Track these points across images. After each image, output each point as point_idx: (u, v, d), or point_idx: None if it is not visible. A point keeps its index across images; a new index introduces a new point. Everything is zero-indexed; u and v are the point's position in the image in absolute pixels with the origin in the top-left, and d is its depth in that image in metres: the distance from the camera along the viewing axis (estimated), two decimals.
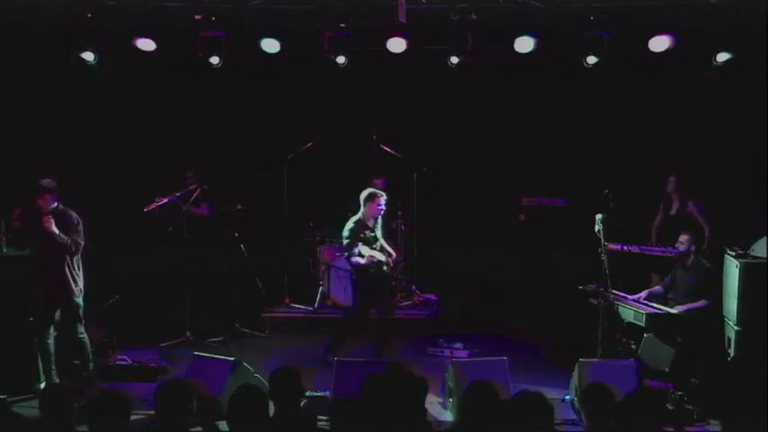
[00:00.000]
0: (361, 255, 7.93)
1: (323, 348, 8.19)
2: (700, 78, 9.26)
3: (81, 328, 7.46)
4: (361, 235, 8.02)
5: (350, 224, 8.08)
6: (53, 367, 7.39)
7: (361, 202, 8.09)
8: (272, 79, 10.11)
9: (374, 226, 8.17)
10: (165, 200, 9.06)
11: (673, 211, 9.26)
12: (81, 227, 7.34)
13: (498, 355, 7.27)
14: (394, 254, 8.30)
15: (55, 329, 7.43)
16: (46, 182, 7.26)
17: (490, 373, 6.53)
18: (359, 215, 8.10)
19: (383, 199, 8.08)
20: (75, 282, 7.36)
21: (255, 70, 9.86)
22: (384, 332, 8.24)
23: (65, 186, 7.41)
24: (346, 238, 8.05)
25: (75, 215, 7.34)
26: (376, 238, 8.16)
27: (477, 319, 9.78)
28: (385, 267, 8.11)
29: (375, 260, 7.99)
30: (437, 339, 8.75)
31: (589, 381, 6.13)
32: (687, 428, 6.39)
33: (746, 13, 7.94)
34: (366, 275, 8.06)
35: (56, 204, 7.29)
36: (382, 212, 8.15)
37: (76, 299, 7.38)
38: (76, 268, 7.38)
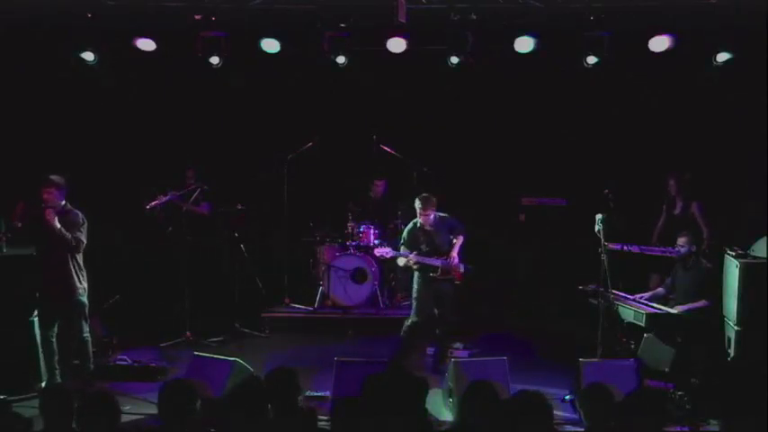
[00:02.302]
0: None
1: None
2: (700, 78, 9.26)
3: (86, 328, 7.47)
4: (415, 240, 8.04)
5: (407, 226, 8.20)
6: (57, 366, 7.40)
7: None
8: (272, 79, 10.11)
9: (437, 230, 8.05)
10: (167, 198, 9.08)
11: (677, 211, 9.26)
12: (85, 227, 7.36)
13: (498, 355, 7.27)
14: (452, 261, 8.03)
15: (58, 329, 7.43)
16: (54, 177, 7.29)
17: (490, 373, 6.54)
18: (414, 222, 8.12)
19: (428, 208, 7.92)
20: (80, 281, 7.37)
21: (255, 70, 9.86)
22: (415, 338, 8.15)
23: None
24: (401, 240, 8.25)
25: (80, 214, 7.37)
26: (434, 244, 8.03)
27: (477, 319, 9.78)
28: (432, 273, 8.01)
29: (414, 264, 8.03)
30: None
31: (589, 381, 6.12)
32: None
33: (746, 13, 7.94)
34: (419, 278, 8.08)
35: (63, 203, 7.30)
36: (430, 220, 7.97)
37: (81, 298, 7.38)
38: (80, 267, 7.39)
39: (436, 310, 8.11)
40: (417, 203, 7.99)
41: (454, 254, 8.07)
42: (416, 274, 8.13)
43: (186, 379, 6.37)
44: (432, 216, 7.98)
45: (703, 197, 9.23)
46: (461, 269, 8.13)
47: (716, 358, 7.43)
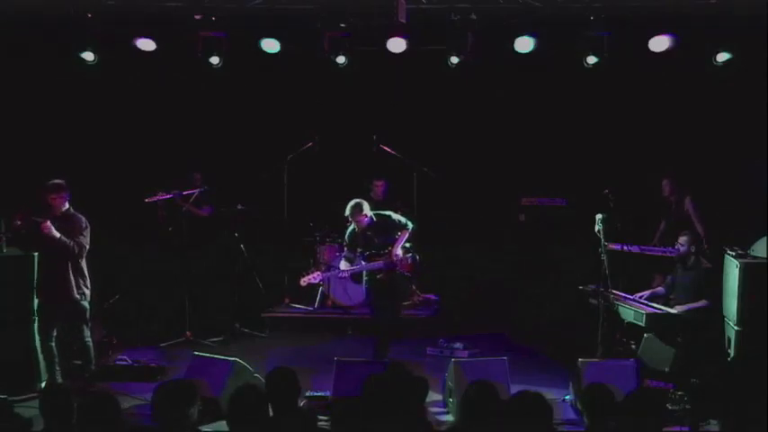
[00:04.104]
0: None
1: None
2: (700, 78, 9.26)
3: (87, 332, 7.45)
4: (354, 242, 7.94)
5: (348, 228, 8.01)
6: (57, 368, 7.38)
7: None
8: (272, 79, 10.11)
9: (374, 232, 7.93)
10: (168, 195, 9.08)
11: (672, 212, 9.25)
12: (88, 231, 7.33)
13: (498, 355, 7.27)
14: (394, 259, 7.90)
15: (57, 331, 7.42)
16: (57, 181, 7.27)
17: (490, 373, 6.53)
18: (353, 226, 7.96)
19: (356, 216, 7.81)
20: (79, 285, 7.34)
21: (255, 70, 9.86)
22: (383, 334, 8.14)
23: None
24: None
25: (83, 219, 7.34)
26: (372, 244, 7.93)
27: (477, 319, 9.78)
28: (378, 275, 7.93)
29: (345, 273, 7.99)
30: (437, 339, 8.76)
31: (589, 381, 6.13)
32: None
33: (746, 13, 7.95)
34: (367, 282, 8.02)
35: (67, 207, 7.30)
36: (364, 224, 7.85)
37: (82, 302, 7.37)
38: (82, 272, 7.36)
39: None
40: (347, 211, 7.86)
41: (396, 251, 7.91)
42: (365, 277, 8.01)
43: (181, 380, 6.35)
44: (365, 220, 7.85)
45: (703, 197, 9.22)
46: (408, 261, 8.04)
47: (716, 358, 7.43)
